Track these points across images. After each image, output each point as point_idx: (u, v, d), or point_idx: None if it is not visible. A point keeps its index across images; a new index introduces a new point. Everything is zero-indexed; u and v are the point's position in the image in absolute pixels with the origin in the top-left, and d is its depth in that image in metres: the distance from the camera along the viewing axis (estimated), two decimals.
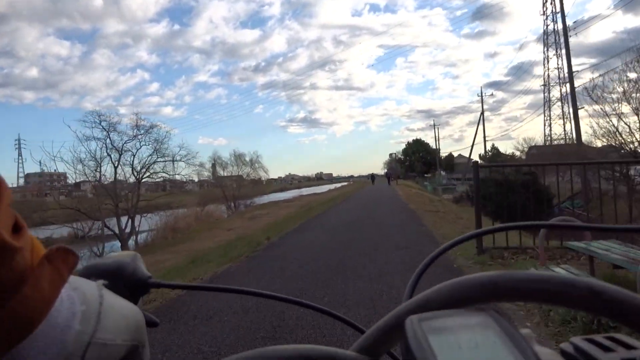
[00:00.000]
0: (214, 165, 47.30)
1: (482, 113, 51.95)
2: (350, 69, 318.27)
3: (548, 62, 68.85)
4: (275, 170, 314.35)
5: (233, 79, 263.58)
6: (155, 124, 24.05)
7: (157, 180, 24.92)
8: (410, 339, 0.22)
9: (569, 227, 0.45)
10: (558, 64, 69.61)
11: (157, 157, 23.88)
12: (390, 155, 47.70)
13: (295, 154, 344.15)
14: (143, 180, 23.62)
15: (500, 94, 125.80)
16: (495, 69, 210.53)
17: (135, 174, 23.04)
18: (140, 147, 22.75)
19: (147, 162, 23.48)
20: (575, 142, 53.92)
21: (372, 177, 58.14)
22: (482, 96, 53.30)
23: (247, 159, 48.03)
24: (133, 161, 22.94)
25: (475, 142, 53.24)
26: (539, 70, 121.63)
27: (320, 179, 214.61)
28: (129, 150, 22.86)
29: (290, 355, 0.28)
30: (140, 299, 0.47)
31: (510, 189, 14.20)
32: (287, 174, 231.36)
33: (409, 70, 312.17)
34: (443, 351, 0.21)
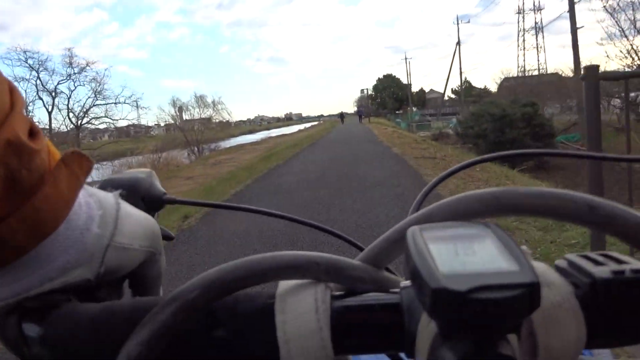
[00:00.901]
0: (180, 109, 44.66)
1: (459, 42, 49.21)
2: (317, 4, 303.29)
3: None
4: (244, 111, 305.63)
5: (196, 18, 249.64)
6: (92, 61, 20.78)
7: (97, 125, 21.96)
8: (410, 247, 0.23)
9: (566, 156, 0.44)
10: None
11: (97, 100, 20.77)
12: (362, 91, 45.47)
13: (264, 94, 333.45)
14: (90, 126, 20.73)
15: (470, 27, 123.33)
16: (464, 2, 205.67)
17: (75, 119, 20.11)
18: (75, 87, 19.66)
19: (85, 106, 20.44)
20: (547, 72, 52.91)
21: (342, 116, 51.00)
22: (457, 24, 50.35)
23: (210, 100, 44.91)
24: (69, 105, 19.89)
25: (450, 75, 50.67)
26: (507, 2, 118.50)
27: (289, 119, 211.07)
28: (64, 92, 19.76)
29: (301, 261, 0.28)
30: (156, 214, 0.49)
31: (509, 124, 12.90)
32: (256, 115, 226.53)
33: (377, 5, 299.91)
34: (442, 257, 0.22)
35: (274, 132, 62.48)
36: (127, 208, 0.35)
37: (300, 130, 52.28)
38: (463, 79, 54.85)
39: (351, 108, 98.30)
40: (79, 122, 20.00)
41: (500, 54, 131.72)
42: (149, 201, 0.47)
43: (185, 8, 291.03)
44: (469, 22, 53.05)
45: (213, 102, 45.34)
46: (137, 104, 22.47)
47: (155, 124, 41.60)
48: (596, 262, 0.27)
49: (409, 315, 0.27)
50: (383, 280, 0.30)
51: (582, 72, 2.44)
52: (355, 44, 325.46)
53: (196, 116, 43.97)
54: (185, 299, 0.27)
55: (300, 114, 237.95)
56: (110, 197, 0.34)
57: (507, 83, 62.32)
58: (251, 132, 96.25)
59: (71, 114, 20.08)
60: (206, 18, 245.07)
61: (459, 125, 16.17)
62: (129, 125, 41.09)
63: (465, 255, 0.22)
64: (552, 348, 0.25)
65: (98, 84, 20.48)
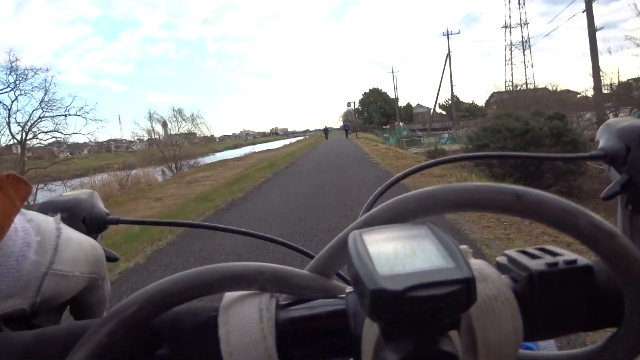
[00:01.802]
0: (164, 123, 42.54)
1: (449, 54, 47.65)
2: (303, 20, 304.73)
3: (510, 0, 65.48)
4: (230, 126, 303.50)
5: (181, 33, 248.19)
6: (39, 68, 18.30)
7: (43, 141, 19.37)
8: (352, 251, 0.23)
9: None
10: (519, 2, 66.48)
11: (44, 112, 18.24)
12: (348, 104, 43.49)
13: (249, 109, 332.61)
14: (35, 142, 18.23)
15: (452, 44, 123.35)
16: (447, 18, 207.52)
17: (23, 134, 17.64)
18: (16, 97, 17.13)
19: (30, 119, 17.91)
20: (535, 87, 51.91)
21: (326, 131, 45.51)
22: (448, 35, 48.85)
23: (188, 114, 42.71)
24: (9, 118, 17.34)
25: (440, 88, 48.98)
26: (489, 19, 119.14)
27: (275, 134, 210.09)
28: (4, 104, 17.24)
29: (244, 271, 0.28)
30: (100, 236, 0.48)
31: (534, 141, 10.28)
32: (242, 130, 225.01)
33: (363, 21, 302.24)
34: (380, 259, 0.22)
35: (259, 147, 61.52)
36: (69, 233, 0.34)
37: (285, 146, 50.86)
38: (450, 94, 53.63)
39: (337, 123, 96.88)
40: (24, 137, 17.43)
41: (483, 70, 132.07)
42: (91, 223, 0.46)
43: (171, 22, 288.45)
44: (459, 32, 51.56)
45: (192, 116, 43.20)
46: (93, 116, 19.80)
47: (138, 139, 39.39)
48: (533, 256, 0.28)
49: (354, 320, 0.27)
50: (330, 287, 0.30)
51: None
52: (341, 59, 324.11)
53: (174, 131, 41.80)
54: (123, 316, 0.26)
55: (286, 128, 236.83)
56: (50, 222, 0.33)
57: (496, 97, 61.42)
58: (236, 147, 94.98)
59: (15, 128, 17.42)
60: (191, 33, 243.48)
61: (469, 143, 14.04)
62: (109, 140, 38.95)
63: (405, 256, 0.22)
64: (490, 341, 0.25)
65: (45, 94, 17.85)
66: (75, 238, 0.35)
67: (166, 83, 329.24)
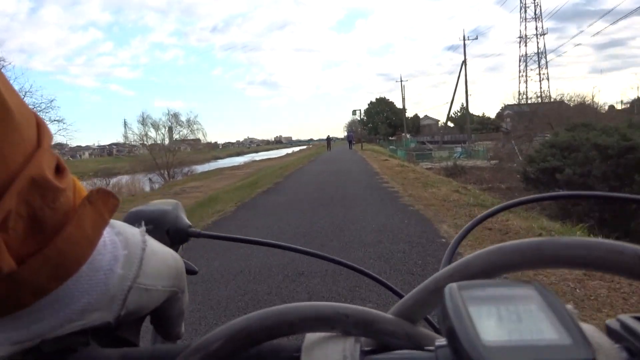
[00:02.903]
0: (170, 129, 40.13)
1: (465, 62, 44.56)
2: (311, 31, 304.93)
3: (525, 9, 62.88)
4: (234, 133, 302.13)
5: (190, 40, 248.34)
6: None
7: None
8: (448, 308, 0.21)
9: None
10: (535, 13, 63.94)
11: None
12: (354, 112, 40.55)
13: (254, 117, 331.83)
14: None
15: (458, 57, 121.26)
16: (454, 32, 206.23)
17: None
18: None
19: None
20: (551, 100, 49.15)
21: (329, 140, 40.69)
22: (464, 40, 45.87)
23: (184, 119, 40.11)
24: None
25: (454, 97, 45.82)
26: (496, 34, 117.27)
27: (279, 142, 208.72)
28: None
29: (329, 313, 0.27)
30: (181, 247, 0.48)
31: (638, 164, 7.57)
32: (246, 137, 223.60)
33: (369, 33, 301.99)
34: (482, 321, 0.20)
35: (262, 155, 61.18)
36: (153, 246, 0.34)
37: (286, 155, 49.91)
38: (459, 106, 50.81)
39: (342, 133, 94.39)
40: None
41: (490, 84, 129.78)
42: (174, 234, 0.46)
43: (180, 30, 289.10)
44: (476, 38, 48.81)
45: (188, 121, 40.61)
46: (46, 116, 17.21)
47: (141, 143, 37.67)
48: None
49: None
50: (417, 336, 0.28)
51: None
52: (347, 71, 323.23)
53: (166, 135, 39.19)
54: (208, 350, 0.26)
55: (291, 137, 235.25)
56: (136, 234, 0.33)
57: (510, 110, 58.69)
58: (239, 154, 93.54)
59: None
60: (200, 41, 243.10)
61: (528, 164, 10.88)
62: (112, 144, 36.73)
63: (510, 322, 0.20)
64: None
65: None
66: (159, 251, 0.35)
67: (174, 89, 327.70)
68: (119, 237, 0.31)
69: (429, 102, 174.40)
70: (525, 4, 61.64)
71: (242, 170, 29.97)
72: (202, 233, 0.50)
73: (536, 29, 61.55)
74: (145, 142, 37.91)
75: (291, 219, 6.42)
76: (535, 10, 61.81)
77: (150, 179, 31.34)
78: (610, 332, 0.26)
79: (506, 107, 61.18)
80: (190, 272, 0.44)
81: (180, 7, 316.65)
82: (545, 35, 61.84)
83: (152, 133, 38.13)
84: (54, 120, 18.18)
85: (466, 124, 55.74)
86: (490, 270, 0.27)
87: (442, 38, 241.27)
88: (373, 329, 0.27)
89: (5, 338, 0.27)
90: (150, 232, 0.35)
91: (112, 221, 0.31)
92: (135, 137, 38.13)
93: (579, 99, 29.17)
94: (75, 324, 0.28)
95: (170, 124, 39.10)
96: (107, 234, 0.30)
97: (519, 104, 51.05)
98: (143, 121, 38.06)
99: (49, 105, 18.03)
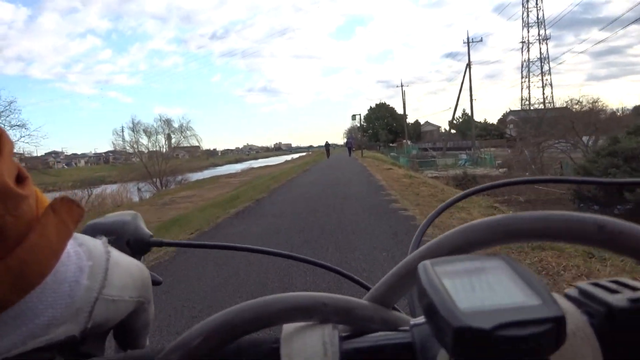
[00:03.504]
0: (168, 136, 38.97)
1: (469, 65, 42.68)
2: (310, 38, 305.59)
3: (528, 13, 61.73)
4: (234, 140, 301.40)
5: (190, 47, 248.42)
6: None
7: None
8: (424, 283, 0.22)
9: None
10: (538, 18, 62.76)
11: None
12: (353, 117, 38.98)
13: (254, 124, 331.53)
14: None
15: (457, 64, 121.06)
16: (453, 40, 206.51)
17: None
18: None
19: None
20: (554, 106, 47.73)
21: (327, 147, 37.80)
22: (468, 42, 44.19)
23: (177, 125, 38.68)
24: None
25: (458, 102, 44.05)
26: (493, 41, 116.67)
27: (279, 149, 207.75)
28: None
29: (308, 302, 0.27)
30: (142, 258, 0.48)
31: None
32: (245, 144, 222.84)
33: (369, 40, 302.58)
34: (458, 292, 0.21)
35: (260, 162, 60.47)
36: (117, 256, 0.34)
37: (286, 162, 48.67)
38: (461, 112, 49.42)
39: (341, 139, 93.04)
40: None
41: (489, 91, 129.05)
42: (135, 245, 0.46)
43: (180, 37, 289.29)
44: (481, 40, 47.45)
45: (181, 127, 39.18)
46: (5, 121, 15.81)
47: (132, 151, 36.15)
48: (610, 290, 0.26)
49: (422, 355, 0.26)
50: (392, 319, 0.29)
51: None
52: (347, 77, 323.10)
53: (161, 143, 37.77)
54: (187, 348, 0.26)
55: (290, 144, 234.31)
56: (99, 245, 0.32)
57: (513, 116, 57.36)
58: (237, 161, 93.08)
59: None
60: (200, 47, 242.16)
61: (584, 174, 9.17)
62: (108, 152, 35.50)
63: (482, 291, 0.21)
64: None
65: None
66: (122, 262, 0.34)
67: (173, 96, 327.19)
68: (82, 247, 0.30)
69: (427, 109, 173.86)
70: (527, 8, 60.57)
71: (237, 178, 29.31)
72: (164, 242, 0.50)
73: (539, 34, 60.46)
74: (136, 149, 36.44)
75: (250, 278, 3.93)
76: (537, 15, 60.72)
77: (139, 188, 29.84)
78: (570, 299, 0.27)
79: (510, 113, 59.95)
80: (155, 282, 0.43)
81: (179, 14, 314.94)
82: (547, 41, 60.46)
83: (144, 140, 36.69)
84: (15, 126, 16.54)
85: (469, 130, 54.40)
86: (460, 248, 0.28)
87: (440, 45, 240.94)
88: (351, 315, 0.28)
89: None
90: (110, 243, 0.35)
91: (75, 234, 0.31)
92: (126, 145, 36.60)
93: (589, 104, 27.70)
94: (39, 339, 0.27)
95: (163, 130, 37.60)
96: (70, 245, 0.29)
97: (524, 110, 49.64)
98: (134, 127, 36.59)
99: (7, 108, 16.44)
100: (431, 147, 50.62)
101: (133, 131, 36.66)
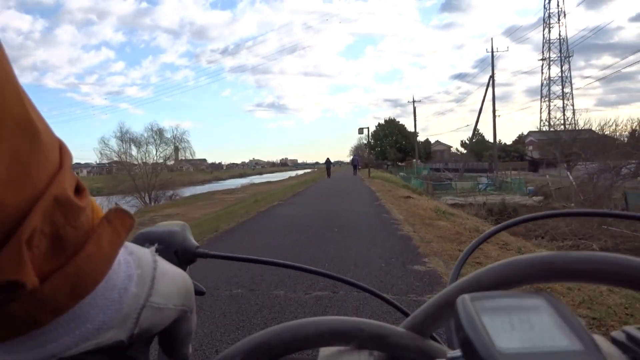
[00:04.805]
0: (176, 149, 37.06)
1: (492, 77, 39.69)
2: (320, 56, 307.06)
3: (549, 29, 58.58)
4: (240, 154, 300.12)
5: (201, 61, 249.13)
6: None
7: None
8: (462, 318, 0.22)
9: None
10: (560, 34, 59.65)
11: None
12: (360, 130, 35.54)
13: (261, 139, 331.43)
14: None
15: (466, 86, 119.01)
16: (462, 61, 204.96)
17: None
18: None
19: None
20: (576, 127, 44.38)
21: (328, 165, 33.65)
22: (492, 52, 40.77)
23: (169, 135, 35.64)
24: None
25: (479, 118, 40.22)
26: (504, 63, 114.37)
27: (284, 164, 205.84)
28: None
29: (346, 327, 0.27)
30: (188, 268, 0.49)
31: None
32: (251, 158, 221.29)
33: (378, 59, 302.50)
34: (496, 331, 0.20)
35: (263, 178, 58.78)
36: (164, 266, 0.35)
37: (290, 178, 46.77)
38: (475, 132, 46.05)
39: (347, 157, 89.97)
40: None
41: (498, 113, 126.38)
42: (182, 255, 0.47)
43: (191, 51, 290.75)
44: (507, 50, 44.15)
45: (174, 137, 36.17)
46: None
47: (142, 162, 33.57)
48: None
49: None
50: (429, 349, 0.29)
51: None
52: (355, 96, 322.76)
53: (152, 154, 34.80)
54: None
55: (296, 160, 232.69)
56: (147, 255, 0.34)
57: (533, 137, 53.88)
58: (241, 175, 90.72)
59: None
60: (210, 62, 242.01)
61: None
62: (111, 162, 32.86)
63: (522, 330, 0.20)
64: None
65: None
66: (169, 271, 0.36)
67: (182, 109, 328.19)
68: (132, 256, 0.32)
69: (435, 129, 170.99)
70: (549, 24, 57.51)
71: (234, 195, 26.81)
72: (209, 254, 0.51)
73: (560, 51, 57.25)
74: (123, 159, 33.40)
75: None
76: (559, 32, 57.59)
77: (116, 204, 26.61)
78: (615, 343, 0.26)
79: (529, 134, 56.55)
80: (198, 292, 0.45)
81: (191, 29, 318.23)
82: (554, 62, 57.21)
83: (133, 151, 33.68)
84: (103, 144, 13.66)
85: (484, 150, 50.83)
86: (501, 283, 0.27)
87: (449, 66, 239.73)
88: (387, 342, 0.27)
89: (22, 356, 0.28)
90: (159, 252, 0.36)
91: (125, 242, 0.32)
92: (113, 155, 33.58)
93: (631, 125, 24.31)
94: (90, 342, 0.29)
95: (154, 140, 34.56)
96: (120, 253, 0.31)
97: (554, 130, 45.90)
98: (122, 137, 33.57)
99: None
100: (445, 168, 47.01)
101: (121, 140, 33.72)
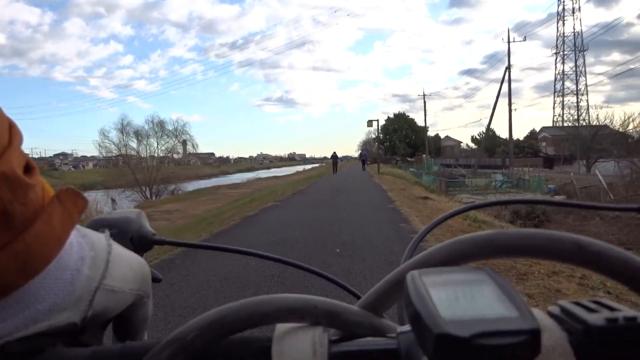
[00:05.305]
0: (184, 142, 36.25)
1: (509, 68, 38.19)
2: (328, 51, 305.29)
3: (564, 20, 56.77)
4: (248, 149, 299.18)
5: (209, 55, 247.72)
6: None
7: None
8: (411, 292, 0.23)
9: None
10: (574, 28, 57.83)
11: None
12: (369, 122, 34.01)
13: (269, 133, 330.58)
14: None
15: (474, 81, 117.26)
16: (471, 57, 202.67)
17: None
18: None
19: None
20: (589, 124, 42.65)
21: (335, 160, 32.01)
22: (508, 42, 39.31)
23: (171, 127, 34.48)
24: None
25: (494, 110, 38.41)
26: (513, 60, 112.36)
27: (292, 159, 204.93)
28: None
29: (300, 304, 0.29)
30: (145, 255, 0.49)
31: None
32: (259, 153, 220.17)
33: (387, 54, 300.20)
34: (442, 302, 0.22)
35: (272, 172, 58.18)
36: (118, 250, 0.35)
37: (297, 172, 45.71)
38: (489, 126, 44.46)
39: (356, 152, 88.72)
40: None
41: (505, 110, 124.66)
42: (138, 242, 0.47)
43: (200, 46, 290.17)
44: (524, 40, 42.52)
45: (176, 130, 35.03)
46: None
47: (149, 155, 32.77)
48: (589, 309, 0.27)
49: None
50: (380, 326, 0.30)
51: None
52: (363, 91, 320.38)
53: (153, 147, 33.74)
54: (183, 341, 0.27)
55: (304, 154, 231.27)
56: (102, 238, 0.33)
57: (545, 133, 52.30)
58: (249, 170, 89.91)
59: None
60: (219, 56, 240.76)
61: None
62: (118, 155, 32.09)
63: (465, 301, 0.22)
64: None
65: None
66: (124, 255, 0.35)
67: (190, 103, 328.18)
68: (85, 239, 0.31)
69: (443, 125, 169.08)
70: (563, 17, 55.75)
71: (238, 189, 25.63)
72: (166, 240, 0.51)
73: (574, 45, 55.51)
74: (123, 152, 32.38)
75: None
76: (574, 25, 55.82)
77: (113, 200, 25.66)
78: (551, 316, 0.28)
79: (542, 130, 54.95)
80: (155, 279, 0.44)
81: (200, 23, 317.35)
82: (567, 56, 55.48)
83: (134, 143, 32.68)
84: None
85: (496, 146, 49.28)
86: (449, 261, 0.29)
87: (458, 62, 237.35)
88: (340, 319, 0.29)
89: None
90: (114, 237, 0.36)
91: (77, 226, 0.31)
92: (113, 148, 32.53)
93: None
94: (41, 324, 0.28)
95: (155, 132, 33.48)
96: (73, 235, 0.30)
97: (574, 126, 44.17)
98: (122, 129, 32.49)
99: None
100: (456, 164, 45.52)
101: (122, 133, 32.66)
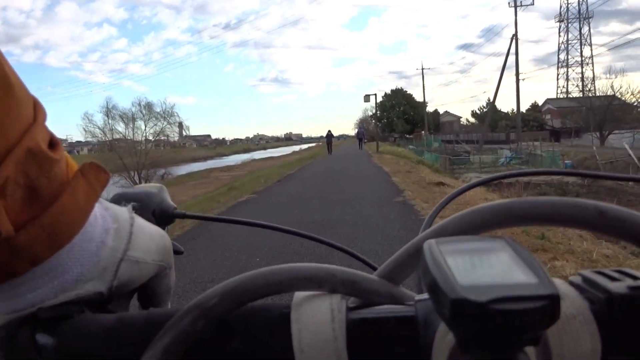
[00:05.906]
0: (180, 125, 34.49)
1: (516, 35, 35.94)
2: (323, 28, 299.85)
3: None
4: (245, 130, 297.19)
5: (203, 37, 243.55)
6: None
7: None
8: (428, 260, 0.23)
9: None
10: None
11: None
12: (366, 97, 32.27)
13: (265, 114, 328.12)
14: None
15: (471, 56, 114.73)
16: (467, 30, 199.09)
17: None
18: None
19: None
20: (596, 94, 40.77)
21: (329, 138, 30.53)
22: (515, 7, 37.11)
23: (159, 109, 32.55)
24: None
25: (500, 81, 37.71)
26: (508, 32, 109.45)
27: (289, 139, 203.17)
28: None
29: (319, 272, 0.29)
30: (166, 228, 0.50)
31: None
32: (256, 134, 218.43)
33: (382, 31, 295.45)
34: (459, 269, 0.22)
35: (268, 153, 58.34)
36: (141, 222, 0.36)
37: (293, 152, 45.03)
38: (484, 102, 42.51)
39: (352, 131, 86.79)
40: None
41: (505, 83, 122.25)
42: (160, 215, 0.48)
43: (193, 27, 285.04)
44: (532, 3, 40.29)
45: (164, 112, 33.13)
46: None
47: (144, 139, 31.23)
48: (611, 278, 0.27)
49: (424, 328, 0.27)
50: (398, 294, 0.30)
51: None
52: (359, 68, 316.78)
53: (141, 129, 31.91)
54: (205, 307, 0.28)
55: (301, 134, 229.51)
56: (124, 211, 0.34)
57: (549, 105, 50.40)
58: (245, 151, 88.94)
59: None
60: (213, 37, 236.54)
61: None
62: (113, 140, 30.46)
63: (483, 268, 0.22)
64: (565, 359, 0.25)
65: None
66: (146, 227, 0.36)
67: (185, 85, 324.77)
68: (108, 211, 0.32)
69: (440, 100, 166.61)
70: None
71: (231, 172, 24.83)
72: (187, 214, 0.52)
73: (579, 12, 53.24)
74: (109, 137, 30.63)
75: None
76: None
77: (129, 180, 24.10)
78: (572, 285, 0.28)
79: (547, 102, 53.03)
80: (176, 251, 0.45)
81: (193, 4, 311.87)
82: (589, 20, 53.14)
83: (120, 127, 30.85)
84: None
85: (497, 120, 47.38)
86: (466, 230, 0.29)
87: (454, 37, 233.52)
88: (358, 287, 0.29)
89: (3, 307, 0.29)
90: (136, 211, 0.36)
91: (101, 199, 0.32)
92: (97, 132, 30.73)
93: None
94: (69, 293, 0.29)
95: (142, 115, 31.61)
96: (97, 208, 0.31)
97: (579, 97, 42.15)
98: (108, 112, 30.63)
99: None
100: (461, 140, 43.63)
101: (107, 116, 30.80)
